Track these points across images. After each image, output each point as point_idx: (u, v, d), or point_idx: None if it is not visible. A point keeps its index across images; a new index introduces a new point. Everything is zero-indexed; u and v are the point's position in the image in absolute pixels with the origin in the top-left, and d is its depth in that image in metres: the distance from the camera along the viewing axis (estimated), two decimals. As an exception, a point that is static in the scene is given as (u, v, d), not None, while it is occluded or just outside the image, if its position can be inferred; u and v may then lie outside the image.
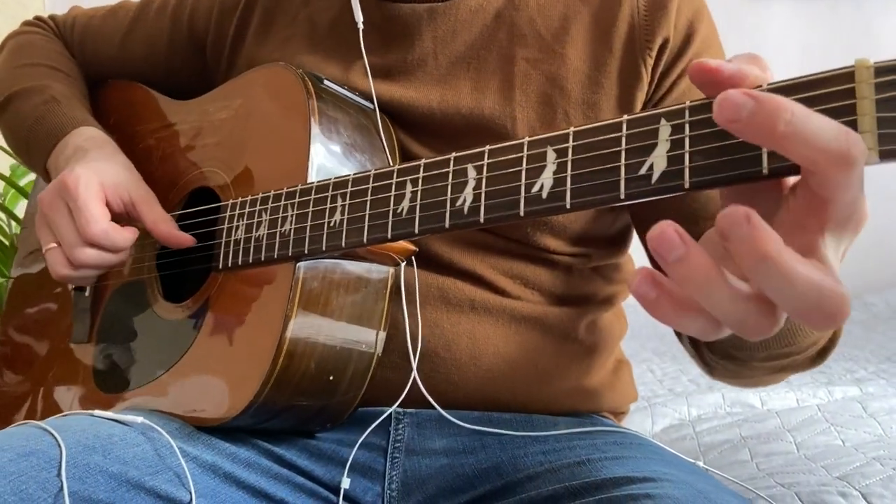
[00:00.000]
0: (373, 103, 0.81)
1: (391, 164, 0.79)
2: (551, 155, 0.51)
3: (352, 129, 0.77)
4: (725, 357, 0.74)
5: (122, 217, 0.84)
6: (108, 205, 0.82)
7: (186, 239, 0.82)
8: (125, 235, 0.81)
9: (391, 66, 0.82)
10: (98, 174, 0.81)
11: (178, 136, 0.90)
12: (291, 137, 0.75)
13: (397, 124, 0.82)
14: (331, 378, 0.73)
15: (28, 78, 0.96)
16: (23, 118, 0.93)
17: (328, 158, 0.74)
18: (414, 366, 0.76)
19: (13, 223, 1.74)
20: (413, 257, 0.77)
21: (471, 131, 0.80)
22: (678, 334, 0.81)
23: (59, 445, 0.65)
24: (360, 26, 0.83)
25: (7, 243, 1.68)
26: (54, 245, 0.81)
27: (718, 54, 0.83)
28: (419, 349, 0.76)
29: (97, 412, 0.73)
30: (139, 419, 0.72)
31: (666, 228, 0.38)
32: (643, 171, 0.47)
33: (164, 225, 0.82)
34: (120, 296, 0.88)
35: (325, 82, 0.78)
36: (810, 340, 0.68)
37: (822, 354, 0.73)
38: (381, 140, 0.79)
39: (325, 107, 0.76)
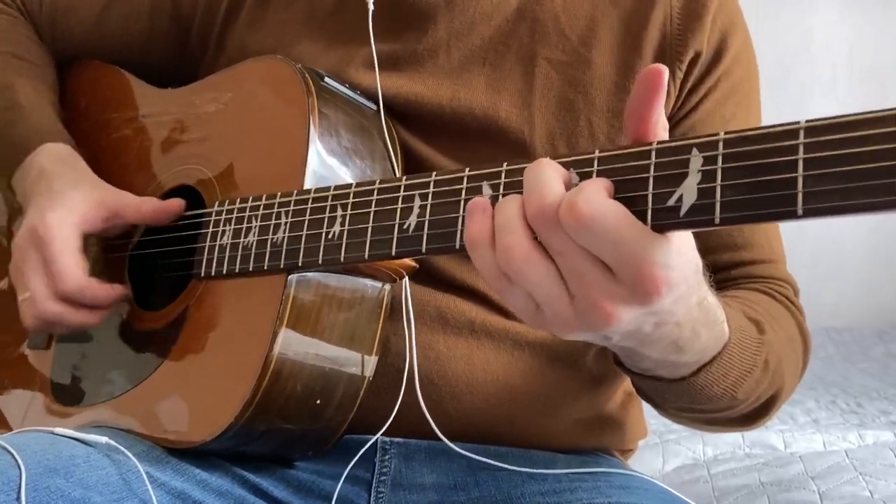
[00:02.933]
0: (377, 103, 0.83)
1: (395, 173, 0.82)
2: (575, 178, 0.55)
3: (353, 133, 0.80)
4: (648, 400, 0.79)
5: (110, 231, 0.86)
6: (89, 233, 0.84)
7: (174, 204, 0.84)
8: (107, 293, 0.83)
9: (399, 55, 0.85)
10: (70, 211, 0.84)
11: (158, 128, 0.93)
12: (287, 138, 0.77)
13: (402, 123, 0.84)
14: (318, 402, 0.76)
15: None
16: None
17: (326, 163, 0.76)
18: (404, 389, 0.78)
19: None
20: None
21: (484, 136, 0.82)
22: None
23: (19, 466, 0.67)
24: (371, 6, 0.85)
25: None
26: (28, 295, 0.83)
27: (747, 72, 0.87)
28: (411, 373, 0.79)
29: (58, 430, 0.75)
30: (104, 439, 0.74)
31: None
32: (671, 202, 0.50)
33: (147, 205, 0.85)
34: (85, 300, 0.90)
35: (327, 80, 0.81)
36: (724, 404, 0.72)
37: (758, 415, 0.78)
38: (386, 146, 0.82)
39: (326, 107, 0.78)
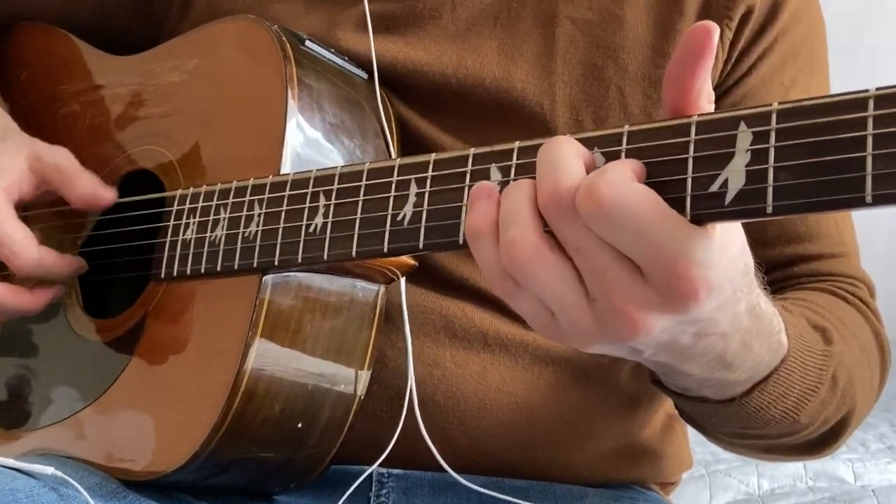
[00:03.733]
0: (369, 71, 0.83)
1: (391, 154, 0.81)
2: (599, 159, 0.54)
3: (340, 107, 0.79)
4: (694, 424, 0.78)
5: (44, 198, 0.86)
6: (21, 201, 0.84)
7: (106, 194, 0.84)
8: (66, 264, 0.83)
9: (395, 15, 0.84)
10: None
11: (111, 102, 0.92)
12: (261, 114, 0.77)
13: (399, 95, 0.84)
14: (299, 425, 0.75)
15: None
16: None
17: (307, 143, 0.76)
18: (404, 411, 0.78)
19: None
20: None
21: (496, 111, 0.82)
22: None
23: None
24: None
25: None
26: None
27: (810, 31, 0.86)
28: (412, 393, 0.78)
29: None
30: (49, 470, 0.73)
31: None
32: (714, 187, 0.49)
33: (84, 184, 0.84)
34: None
35: (308, 43, 0.80)
36: (783, 429, 0.71)
37: (826, 441, 0.77)
38: (380, 122, 0.81)
39: (307, 75, 0.78)
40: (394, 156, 0.81)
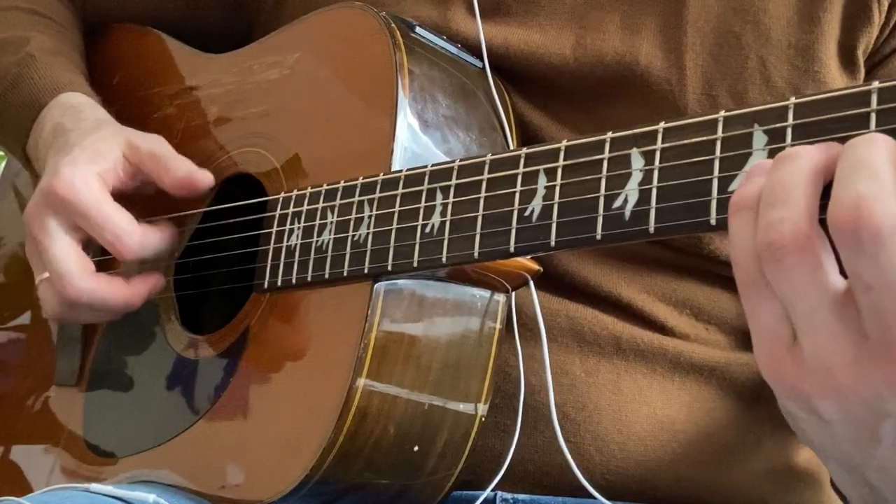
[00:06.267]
0: (481, 59, 0.81)
1: (511, 145, 0.79)
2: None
3: (454, 97, 0.78)
4: None
5: (140, 190, 0.87)
6: (117, 190, 0.84)
7: (204, 178, 0.83)
8: (173, 234, 0.83)
9: None
10: (91, 162, 0.84)
11: (207, 104, 0.93)
12: (369, 107, 0.76)
13: (512, 83, 0.83)
14: (415, 448, 0.74)
15: (2, 26, 1.00)
16: None
17: (419, 138, 0.75)
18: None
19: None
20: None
21: (618, 91, 0.80)
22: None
23: None
24: None
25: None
26: (45, 276, 0.83)
27: None
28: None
29: (94, 486, 0.76)
30: (150, 497, 0.74)
31: None
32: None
33: (179, 167, 0.84)
34: (122, 323, 0.91)
35: (418, 30, 0.79)
36: None
37: None
38: (496, 113, 0.80)
39: (418, 64, 0.77)
40: (512, 148, 0.79)
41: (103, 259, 0.85)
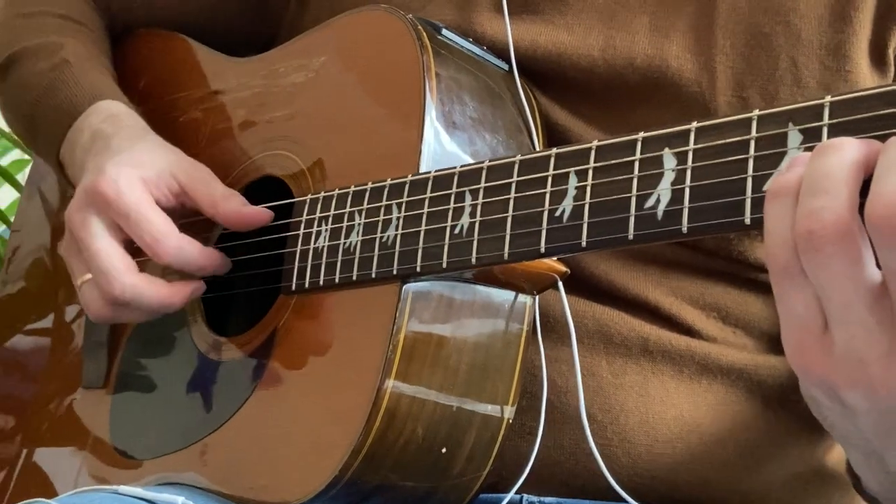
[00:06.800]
0: (508, 60, 0.81)
1: (537, 146, 0.79)
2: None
3: (480, 99, 0.78)
4: None
5: (174, 212, 0.86)
6: (157, 201, 0.84)
7: (262, 214, 0.83)
8: (208, 257, 0.83)
9: None
10: (135, 167, 0.84)
11: (233, 107, 0.93)
12: (397, 110, 0.76)
13: (539, 85, 0.82)
14: (443, 450, 0.74)
15: (34, 32, 1.01)
16: (26, 88, 0.98)
17: (447, 139, 0.75)
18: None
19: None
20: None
21: (646, 92, 0.80)
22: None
23: None
24: None
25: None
26: (87, 277, 0.83)
27: None
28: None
29: (123, 488, 0.76)
30: (179, 500, 0.74)
31: None
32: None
33: (227, 203, 0.84)
34: (148, 325, 0.91)
35: (445, 32, 0.79)
36: None
37: None
38: (523, 115, 0.80)
39: (445, 67, 0.77)
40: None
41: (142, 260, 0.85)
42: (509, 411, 0.76)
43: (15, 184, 1.69)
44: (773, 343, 0.82)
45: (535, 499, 0.80)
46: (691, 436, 0.79)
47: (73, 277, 0.86)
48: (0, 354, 1.08)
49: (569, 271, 0.76)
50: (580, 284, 0.79)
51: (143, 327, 0.92)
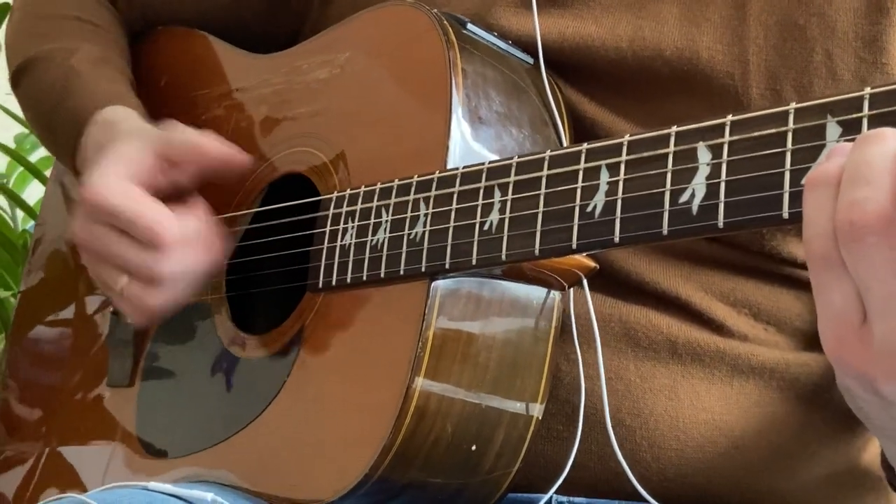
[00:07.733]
0: (534, 54, 0.81)
1: (564, 141, 0.79)
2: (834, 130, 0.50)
3: (507, 94, 0.78)
4: None
5: (177, 184, 0.87)
6: (149, 187, 0.84)
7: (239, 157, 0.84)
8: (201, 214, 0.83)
9: None
10: (115, 164, 0.84)
11: (256, 105, 0.93)
12: (423, 105, 0.76)
13: (567, 77, 0.82)
14: (473, 448, 0.74)
15: (49, 37, 1.01)
16: (41, 97, 0.98)
17: (474, 135, 0.75)
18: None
19: (21, 214, 1.75)
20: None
21: (677, 85, 0.79)
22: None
23: None
24: None
25: (16, 242, 1.66)
26: (126, 280, 0.83)
27: None
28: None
29: (153, 484, 0.76)
30: (209, 496, 0.74)
31: None
32: None
33: (210, 146, 0.84)
34: (174, 323, 0.91)
35: (470, 27, 0.79)
36: None
37: None
38: (549, 110, 0.80)
39: (471, 61, 0.76)
40: (565, 145, 0.79)
41: None
42: (538, 409, 0.76)
43: (44, 180, 1.69)
44: (805, 340, 0.81)
45: (564, 499, 0.79)
46: (723, 439, 0.78)
47: (108, 289, 0.85)
48: (25, 345, 1.08)
49: (597, 266, 0.75)
50: (608, 280, 0.79)
51: (168, 325, 0.92)
